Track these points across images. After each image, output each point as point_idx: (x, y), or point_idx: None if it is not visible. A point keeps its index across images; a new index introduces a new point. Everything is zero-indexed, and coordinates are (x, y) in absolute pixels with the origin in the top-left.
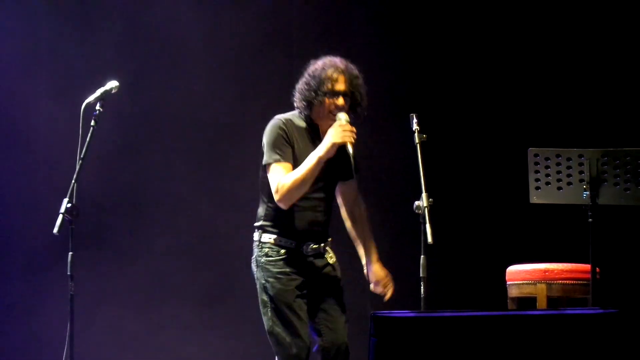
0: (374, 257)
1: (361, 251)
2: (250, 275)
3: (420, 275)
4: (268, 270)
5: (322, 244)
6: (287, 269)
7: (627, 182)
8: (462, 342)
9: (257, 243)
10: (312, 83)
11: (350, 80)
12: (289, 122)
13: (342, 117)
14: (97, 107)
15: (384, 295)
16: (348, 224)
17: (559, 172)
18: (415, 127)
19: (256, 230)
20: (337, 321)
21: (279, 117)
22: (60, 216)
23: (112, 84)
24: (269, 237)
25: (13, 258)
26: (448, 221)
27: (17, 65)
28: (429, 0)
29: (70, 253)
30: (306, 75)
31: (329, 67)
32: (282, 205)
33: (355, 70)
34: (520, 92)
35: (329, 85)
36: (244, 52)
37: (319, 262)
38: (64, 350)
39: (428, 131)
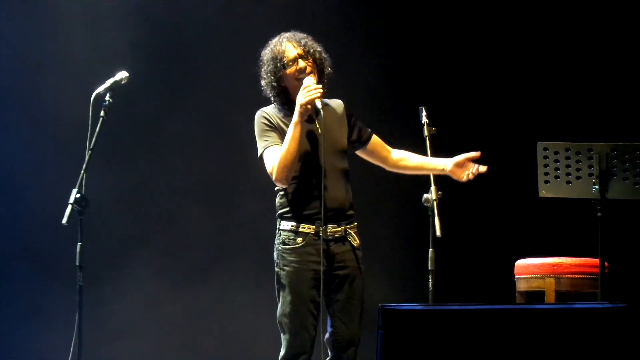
0: (440, 159)
1: (432, 166)
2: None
3: (429, 268)
4: (284, 259)
5: (344, 227)
6: (304, 258)
7: (637, 177)
8: (470, 336)
9: (277, 231)
10: (270, 67)
11: (298, 42)
12: (270, 110)
13: (307, 79)
14: (107, 98)
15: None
16: (403, 165)
17: (568, 166)
18: (424, 119)
19: (277, 219)
20: (351, 315)
21: (260, 109)
22: (69, 206)
23: (122, 75)
24: (286, 225)
25: (21, 248)
26: (457, 214)
27: (26, 55)
28: None
29: (79, 243)
30: (262, 66)
31: (275, 44)
32: (280, 184)
33: (301, 34)
34: (530, 86)
35: (283, 58)
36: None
37: (339, 248)
38: (72, 341)
39: (437, 124)
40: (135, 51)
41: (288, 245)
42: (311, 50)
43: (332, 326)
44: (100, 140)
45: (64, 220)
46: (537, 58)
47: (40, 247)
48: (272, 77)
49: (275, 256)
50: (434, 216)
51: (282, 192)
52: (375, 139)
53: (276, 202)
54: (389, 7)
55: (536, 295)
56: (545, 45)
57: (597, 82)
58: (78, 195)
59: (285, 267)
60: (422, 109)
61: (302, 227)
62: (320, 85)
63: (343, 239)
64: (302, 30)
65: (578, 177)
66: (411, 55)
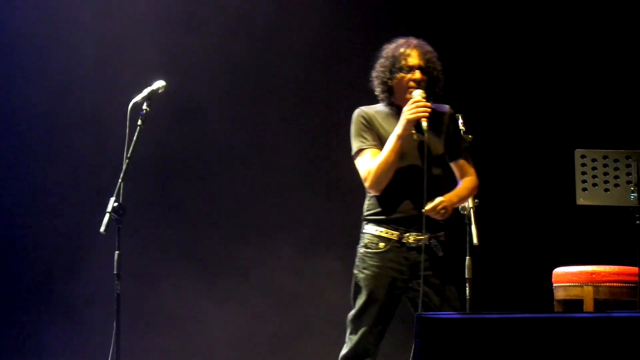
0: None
1: None
2: None
3: (466, 276)
4: (364, 262)
5: (428, 236)
6: (385, 264)
7: None
8: (508, 344)
9: (361, 234)
10: (387, 63)
11: (423, 54)
12: (370, 109)
13: (416, 93)
14: (144, 107)
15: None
16: None
17: (605, 174)
18: (461, 127)
19: (362, 222)
20: None
21: (360, 107)
22: (107, 215)
23: (159, 84)
24: (370, 229)
25: (58, 256)
26: (494, 222)
27: (62, 64)
28: (473, 1)
29: (117, 252)
30: (380, 59)
31: (401, 45)
32: (373, 191)
33: (428, 46)
34: (567, 93)
35: (403, 61)
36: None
37: (423, 257)
38: (110, 350)
39: (474, 132)
40: (171, 56)
41: (370, 249)
42: (431, 66)
43: None
44: (136, 149)
45: (102, 229)
46: (575, 65)
47: (78, 256)
48: (386, 74)
49: (356, 258)
50: (471, 224)
51: (371, 195)
52: (459, 164)
53: (364, 204)
54: (426, 13)
55: (574, 304)
56: (584, 52)
57: (635, 90)
58: (116, 204)
59: (364, 270)
60: (458, 116)
61: (386, 232)
62: (429, 104)
63: (427, 247)
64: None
65: (616, 185)
66: (447, 63)
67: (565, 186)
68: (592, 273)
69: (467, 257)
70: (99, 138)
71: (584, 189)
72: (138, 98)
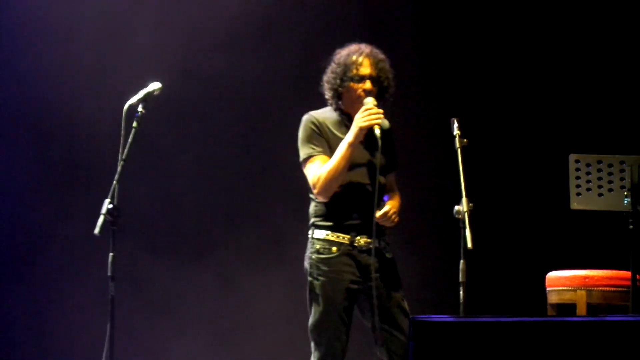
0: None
1: None
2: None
3: (460, 280)
4: (318, 268)
5: (378, 239)
6: (339, 268)
7: None
8: (501, 348)
9: (309, 240)
10: (338, 70)
11: (375, 64)
12: (320, 115)
13: (369, 101)
14: (139, 109)
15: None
16: None
17: (600, 179)
18: (456, 131)
19: (309, 227)
20: (395, 326)
21: (309, 113)
22: (102, 217)
23: (155, 86)
24: (320, 234)
25: (53, 258)
26: (488, 226)
27: (59, 66)
28: (471, 5)
29: (111, 254)
30: (332, 64)
31: (353, 52)
32: (322, 198)
33: (380, 54)
34: (561, 98)
35: (355, 70)
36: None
37: (374, 260)
38: (103, 353)
39: (469, 136)
40: (168, 61)
41: (323, 254)
42: (383, 76)
43: (376, 343)
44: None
45: (97, 231)
46: (569, 70)
47: (75, 257)
48: (337, 81)
49: (307, 265)
50: (465, 228)
51: (318, 200)
52: (391, 178)
53: (311, 210)
54: (423, 17)
55: (567, 308)
56: (579, 57)
57: (630, 94)
58: (110, 206)
59: (319, 277)
60: (453, 120)
61: (337, 237)
62: (381, 111)
63: (378, 251)
64: (331, 38)
65: (610, 190)
66: (442, 67)
67: (559, 190)
68: (585, 277)
69: (462, 261)
70: (93, 139)
71: (578, 194)
72: (133, 100)
